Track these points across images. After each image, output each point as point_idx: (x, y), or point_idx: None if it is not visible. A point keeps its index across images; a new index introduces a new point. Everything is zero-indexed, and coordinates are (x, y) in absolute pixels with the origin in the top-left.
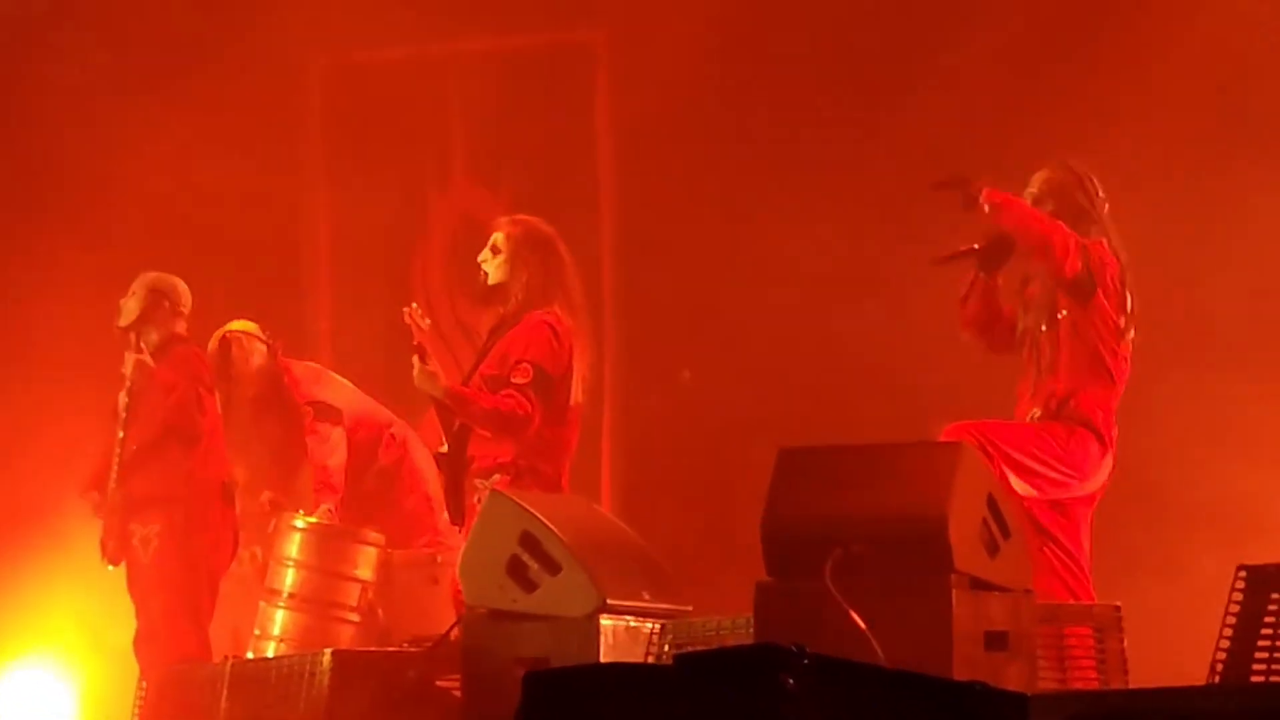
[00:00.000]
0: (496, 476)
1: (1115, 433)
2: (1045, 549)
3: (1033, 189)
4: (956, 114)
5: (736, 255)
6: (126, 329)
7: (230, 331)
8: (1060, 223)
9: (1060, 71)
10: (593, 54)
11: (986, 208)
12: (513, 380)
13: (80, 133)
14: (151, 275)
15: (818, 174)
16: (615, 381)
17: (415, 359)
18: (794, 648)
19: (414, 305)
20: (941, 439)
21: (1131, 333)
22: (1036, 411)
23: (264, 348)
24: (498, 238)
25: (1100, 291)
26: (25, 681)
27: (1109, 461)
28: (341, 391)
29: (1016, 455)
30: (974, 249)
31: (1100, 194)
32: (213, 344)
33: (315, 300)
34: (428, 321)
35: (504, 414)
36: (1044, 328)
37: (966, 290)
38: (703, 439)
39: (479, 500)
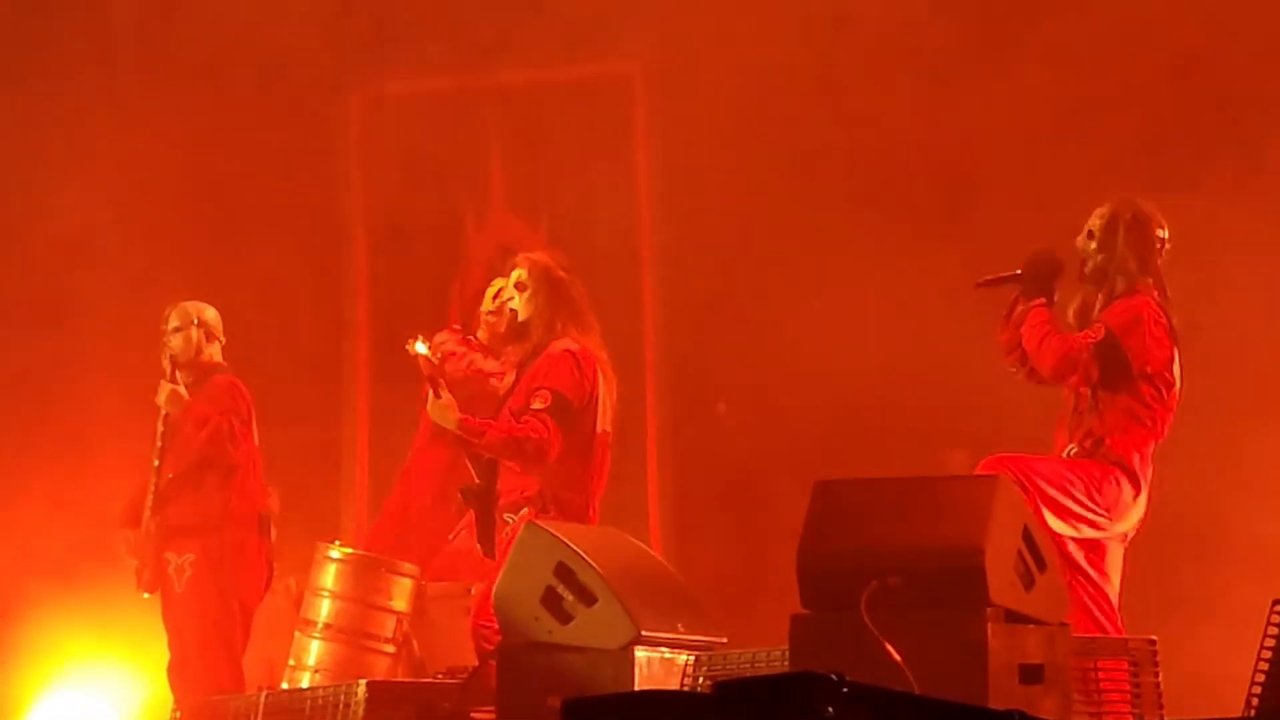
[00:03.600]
0: (525, 511)
1: (1150, 474)
2: (1075, 584)
3: (1092, 223)
4: (996, 158)
5: (773, 286)
6: (170, 359)
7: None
8: (1060, 336)
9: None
10: (630, 86)
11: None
12: (531, 406)
13: (113, 162)
14: (187, 304)
15: (855, 208)
16: (658, 414)
17: (429, 392)
18: (833, 676)
19: (419, 337)
20: (978, 471)
21: (1177, 382)
22: (1073, 448)
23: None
24: (520, 274)
25: (1128, 353)
26: (67, 703)
27: (1142, 503)
28: None
29: (1050, 491)
30: (1016, 274)
31: (1163, 236)
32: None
33: (353, 332)
34: (439, 355)
35: (519, 440)
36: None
37: (1006, 311)
38: (738, 471)
39: (508, 535)
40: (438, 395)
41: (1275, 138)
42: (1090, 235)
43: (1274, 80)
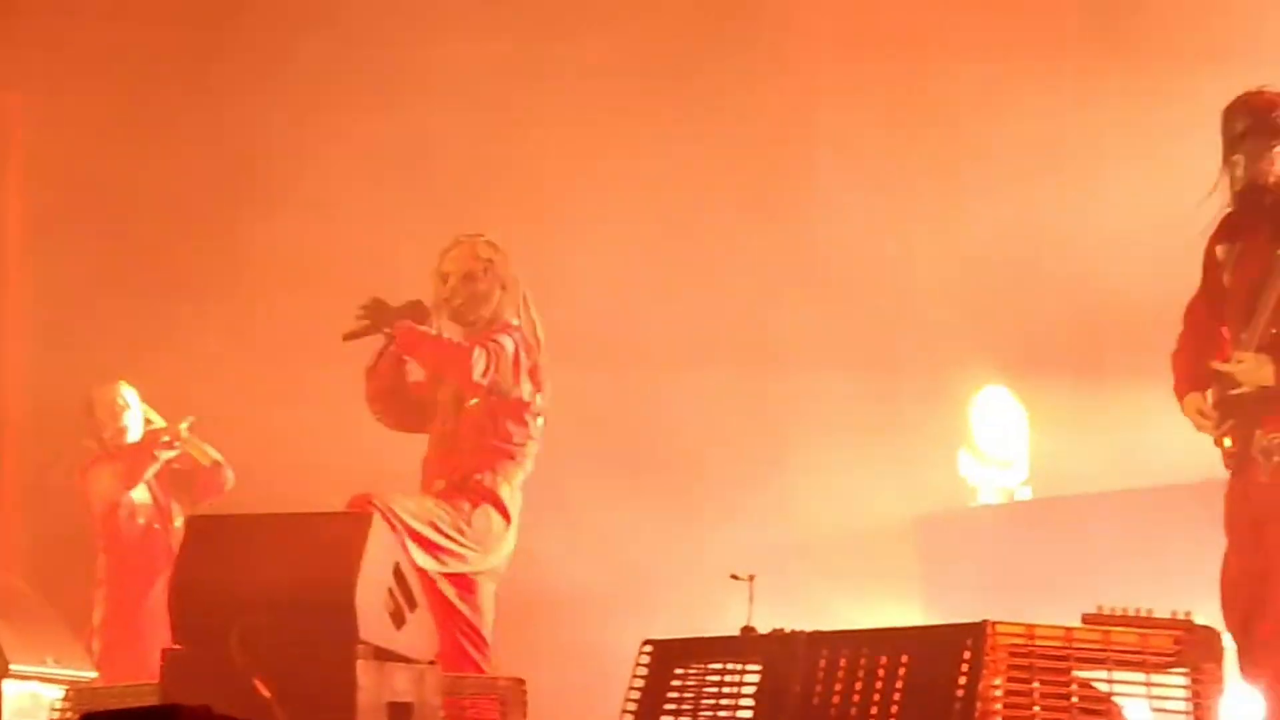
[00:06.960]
0: None
1: (519, 507)
2: (448, 621)
3: (443, 268)
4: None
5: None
6: None
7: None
8: (459, 344)
9: None
10: (8, 116)
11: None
12: None
13: None
14: None
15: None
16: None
17: None
18: (200, 709)
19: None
20: (346, 509)
21: (539, 416)
22: (441, 483)
23: None
24: None
25: (514, 384)
26: None
27: (512, 536)
28: None
29: (417, 526)
30: (367, 324)
31: (510, 271)
32: None
33: None
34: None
35: None
36: (455, 409)
37: (374, 362)
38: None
39: None
40: None
41: None
42: (444, 278)
43: None
